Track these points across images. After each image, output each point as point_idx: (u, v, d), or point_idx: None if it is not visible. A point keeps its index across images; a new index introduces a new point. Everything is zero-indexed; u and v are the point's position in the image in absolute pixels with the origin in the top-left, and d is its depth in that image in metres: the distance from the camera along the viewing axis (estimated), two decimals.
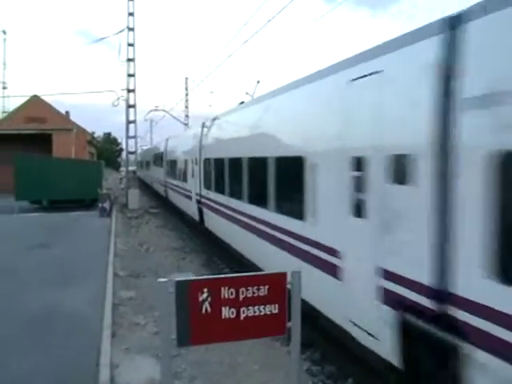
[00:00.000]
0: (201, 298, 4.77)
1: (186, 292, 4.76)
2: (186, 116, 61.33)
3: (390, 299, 6.28)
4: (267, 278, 5.06)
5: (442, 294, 5.42)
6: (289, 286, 5.13)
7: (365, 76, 6.98)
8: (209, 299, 4.79)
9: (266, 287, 4.95)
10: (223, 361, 8.59)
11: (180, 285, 4.75)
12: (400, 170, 6.09)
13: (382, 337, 6.47)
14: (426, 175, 5.63)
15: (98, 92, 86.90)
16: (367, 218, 6.78)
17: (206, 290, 4.78)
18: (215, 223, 17.34)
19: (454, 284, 5.24)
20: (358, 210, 7.00)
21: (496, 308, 4.64)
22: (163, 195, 34.77)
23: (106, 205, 28.89)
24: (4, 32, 66.04)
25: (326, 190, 8.13)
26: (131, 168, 40.38)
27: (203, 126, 19.86)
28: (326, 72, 8.72)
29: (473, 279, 4.94)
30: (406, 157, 5.96)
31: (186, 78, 64.50)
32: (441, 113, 5.48)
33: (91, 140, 60.83)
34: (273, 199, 10.75)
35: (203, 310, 4.79)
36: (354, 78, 7.25)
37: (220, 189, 16.12)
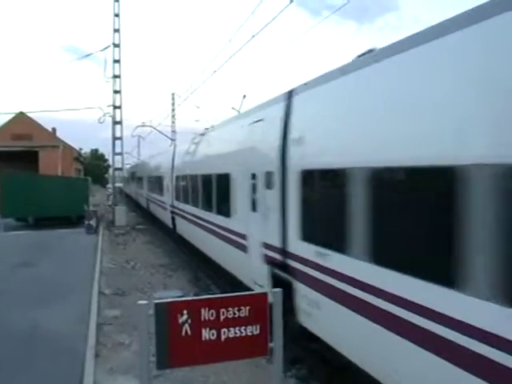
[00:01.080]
0: (180, 320, 4.72)
1: (165, 314, 4.70)
2: (173, 131, 61.40)
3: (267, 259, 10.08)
4: (248, 299, 5.01)
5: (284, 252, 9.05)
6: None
7: (257, 121, 10.83)
8: (189, 321, 4.73)
9: (247, 308, 4.89)
10: (208, 379, 8.51)
11: (159, 307, 4.69)
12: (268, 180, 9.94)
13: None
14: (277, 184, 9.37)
15: (85, 109, 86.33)
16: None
17: (185, 311, 4.72)
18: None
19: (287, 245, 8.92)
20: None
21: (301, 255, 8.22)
22: (134, 198, 50.09)
23: (93, 222, 28.73)
24: None
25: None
26: (118, 184, 40.34)
27: (150, 157, 37.24)
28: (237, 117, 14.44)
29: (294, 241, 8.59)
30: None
31: (173, 94, 64.66)
32: (282, 147, 9.10)
33: (78, 156, 60.58)
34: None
35: (183, 332, 4.73)
36: (252, 122, 11.22)
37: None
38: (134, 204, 50.66)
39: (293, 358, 9.35)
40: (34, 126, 47.94)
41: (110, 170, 56.79)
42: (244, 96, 42.09)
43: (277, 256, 9.43)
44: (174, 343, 4.71)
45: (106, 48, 34.33)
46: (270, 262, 9.83)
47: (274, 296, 5.08)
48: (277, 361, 5.20)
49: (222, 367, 8.54)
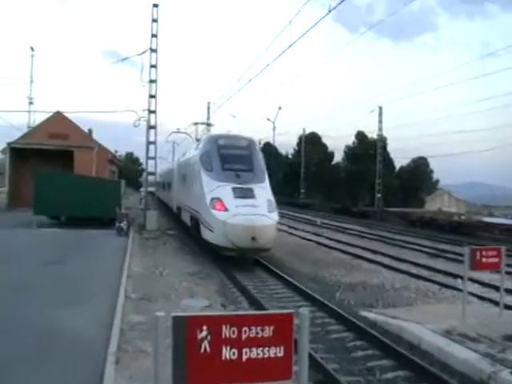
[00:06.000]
0: (200, 336, 4.40)
1: (183, 328, 4.40)
2: None
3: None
4: (272, 318, 4.67)
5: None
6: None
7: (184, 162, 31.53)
8: (208, 337, 4.42)
9: (271, 328, 4.55)
10: None
11: (178, 320, 4.39)
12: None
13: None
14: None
15: (120, 111, 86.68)
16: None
17: (205, 327, 4.41)
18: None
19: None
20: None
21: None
22: (164, 201, 55.44)
23: (124, 224, 28.78)
24: (32, 49, 66.87)
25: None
26: (150, 189, 40.54)
27: (174, 164, 45.14)
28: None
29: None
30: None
31: (209, 103, 65.15)
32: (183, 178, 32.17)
33: (113, 158, 61.04)
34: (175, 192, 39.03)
35: (202, 349, 4.41)
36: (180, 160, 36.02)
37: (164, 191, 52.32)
38: (165, 209, 50.83)
39: (317, 382, 9.03)
40: (70, 126, 48.29)
41: (144, 174, 57.85)
42: (279, 107, 42.30)
43: None
44: (192, 360, 4.41)
45: (144, 53, 34.50)
46: None
47: (301, 317, 4.74)
48: None
49: None
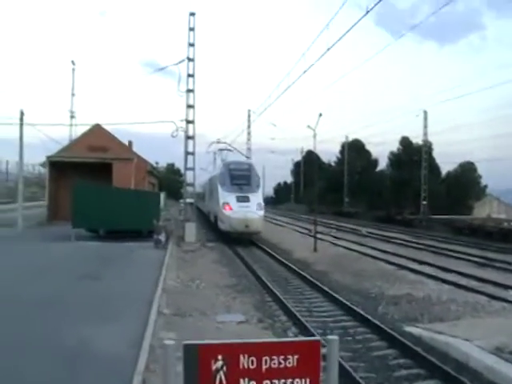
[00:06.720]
0: (214, 367, 3.88)
1: (195, 358, 3.88)
2: (249, 149, 61.44)
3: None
4: (297, 346, 4.10)
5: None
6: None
7: (211, 179, 44.52)
8: (224, 368, 3.89)
9: (295, 357, 3.99)
10: None
11: (189, 349, 3.88)
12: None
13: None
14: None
15: (158, 122, 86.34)
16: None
17: (220, 356, 3.89)
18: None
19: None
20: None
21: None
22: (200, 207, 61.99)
23: (162, 237, 28.52)
24: (73, 62, 67.66)
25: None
26: (189, 200, 40.42)
27: (209, 179, 50.75)
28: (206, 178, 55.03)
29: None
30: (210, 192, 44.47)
31: (249, 111, 64.93)
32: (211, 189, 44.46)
33: (152, 170, 61.15)
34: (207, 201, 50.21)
35: (217, 381, 3.90)
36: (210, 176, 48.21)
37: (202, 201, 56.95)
38: (205, 221, 50.67)
39: None
40: (109, 139, 48.41)
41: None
42: (320, 114, 41.87)
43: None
44: None
45: (181, 62, 34.37)
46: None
47: (329, 344, 4.16)
48: None
49: None
